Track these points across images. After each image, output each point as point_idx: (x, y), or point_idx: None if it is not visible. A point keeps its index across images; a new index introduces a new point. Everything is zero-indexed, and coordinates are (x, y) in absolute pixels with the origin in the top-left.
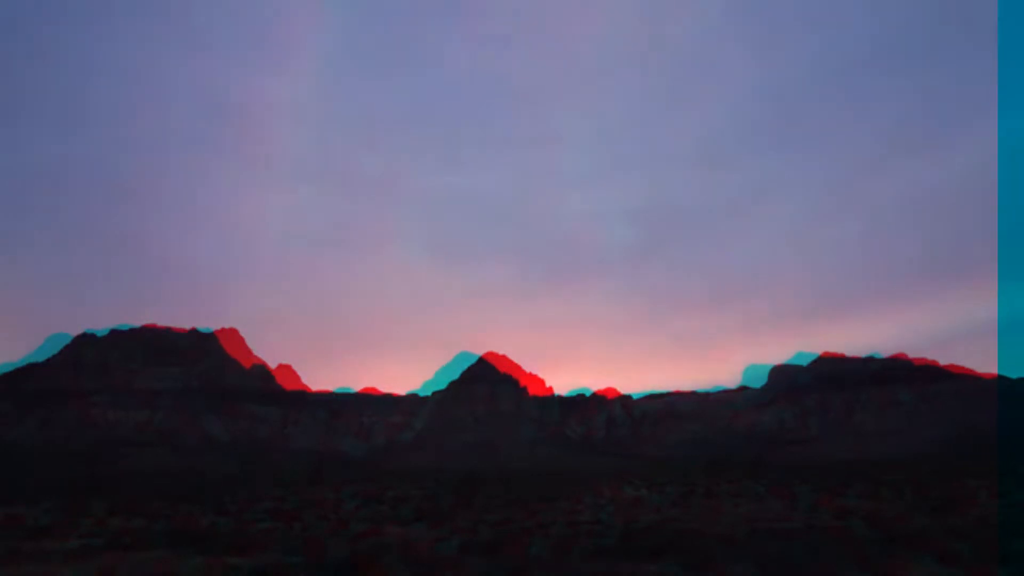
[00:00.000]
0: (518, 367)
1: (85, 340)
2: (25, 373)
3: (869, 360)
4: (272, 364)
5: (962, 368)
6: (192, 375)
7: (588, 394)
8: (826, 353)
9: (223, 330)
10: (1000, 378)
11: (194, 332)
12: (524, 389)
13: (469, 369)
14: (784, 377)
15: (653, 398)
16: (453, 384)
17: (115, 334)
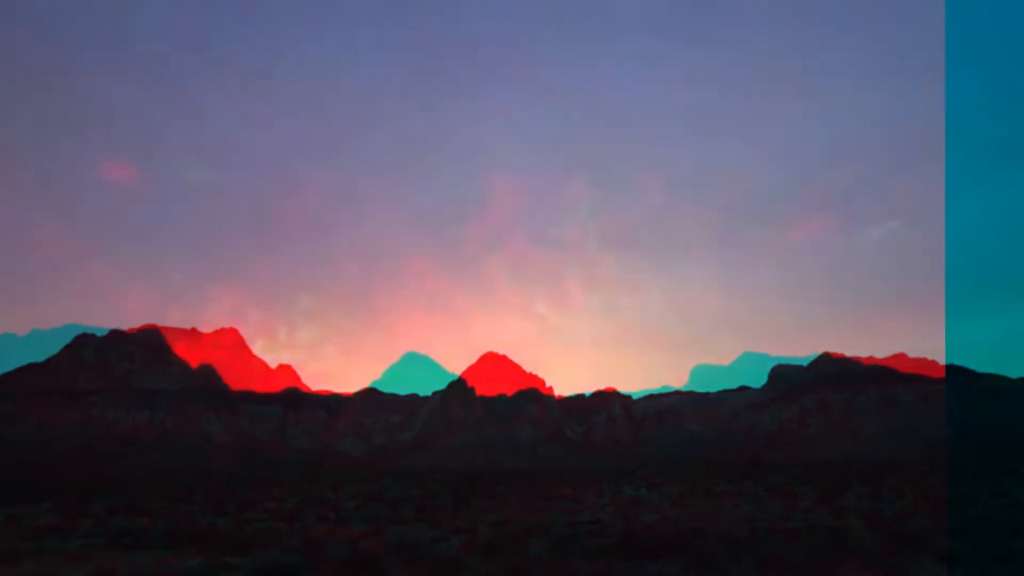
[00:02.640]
0: (518, 367)
1: (85, 340)
2: (25, 373)
3: (869, 360)
4: (272, 364)
5: (962, 368)
6: (192, 375)
7: (588, 394)
8: (826, 353)
9: (223, 330)
10: (1000, 377)
11: (194, 332)
12: (523, 389)
13: (469, 369)
14: (784, 377)
15: (653, 398)
16: (453, 384)
17: (115, 334)
